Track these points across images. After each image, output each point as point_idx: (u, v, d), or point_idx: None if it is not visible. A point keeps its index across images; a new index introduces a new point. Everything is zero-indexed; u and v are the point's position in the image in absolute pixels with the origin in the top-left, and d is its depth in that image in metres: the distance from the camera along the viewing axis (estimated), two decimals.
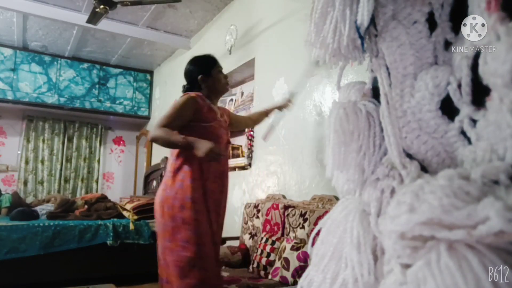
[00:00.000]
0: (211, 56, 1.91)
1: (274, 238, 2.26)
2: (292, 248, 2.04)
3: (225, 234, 3.17)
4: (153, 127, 1.64)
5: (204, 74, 1.81)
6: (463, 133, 0.39)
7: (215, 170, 1.70)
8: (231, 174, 3.37)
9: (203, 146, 1.51)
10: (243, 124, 2.22)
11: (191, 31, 4.35)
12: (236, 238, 2.82)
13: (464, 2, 0.39)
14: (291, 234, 2.17)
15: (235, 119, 2.08)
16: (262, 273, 2.21)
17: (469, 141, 0.38)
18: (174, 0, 3.08)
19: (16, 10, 3.68)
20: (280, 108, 2.15)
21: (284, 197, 2.58)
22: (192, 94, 1.74)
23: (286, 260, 2.03)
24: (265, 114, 2.16)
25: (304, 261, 1.96)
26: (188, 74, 1.87)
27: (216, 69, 1.86)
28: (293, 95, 2.16)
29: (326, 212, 1.81)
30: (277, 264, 2.10)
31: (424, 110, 0.41)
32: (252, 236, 2.59)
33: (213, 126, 1.71)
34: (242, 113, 3.28)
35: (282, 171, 2.68)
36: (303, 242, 2.05)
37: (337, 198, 2.07)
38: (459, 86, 0.38)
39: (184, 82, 1.91)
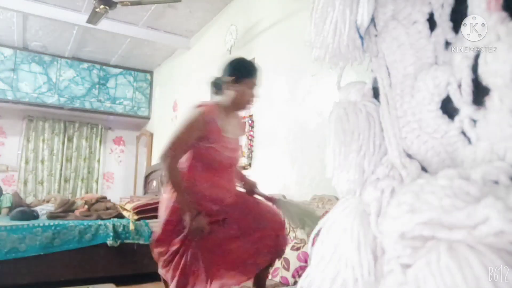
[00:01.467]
0: (254, 65, 1.69)
1: None
2: (292, 248, 2.04)
3: None
4: (168, 146, 1.50)
5: (237, 77, 1.60)
6: (463, 133, 0.39)
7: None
8: None
9: (192, 221, 1.45)
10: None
11: (191, 31, 4.35)
12: None
13: (464, 2, 0.39)
14: (291, 234, 2.17)
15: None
16: None
17: (469, 141, 0.38)
18: (174, 0, 3.08)
19: (16, 10, 3.68)
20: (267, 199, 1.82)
21: (284, 197, 2.58)
22: (203, 108, 1.56)
23: (286, 261, 2.03)
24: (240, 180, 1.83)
25: (304, 261, 1.96)
26: (223, 71, 1.66)
27: (251, 80, 1.63)
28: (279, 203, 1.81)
29: (326, 212, 1.80)
30: (277, 264, 2.10)
31: (424, 110, 0.41)
32: None
33: (214, 149, 1.55)
34: (242, 113, 3.27)
35: (282, 171, 2.68)
36: (303, 242, 2.05)
37: (337, 198, 2.07)
38: (459, 86, 0.38)
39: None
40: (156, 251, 1.61)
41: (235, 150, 1.66)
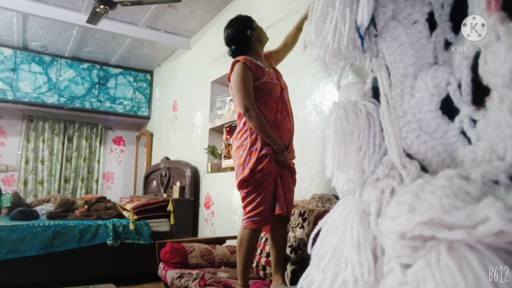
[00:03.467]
0: (244, 15, 2.07)
1: None
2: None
3: (225, 234, 3.18)
4: (240, 106, 1.78)
5: (251, 29, 1.97)
6: (463, 133, 0.39)
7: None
8: (231, 174, 3.37)
9: (283, 156, 1.80)
10: (284, 51, 2.23)
11: (191, 31, 4.35)
12: (236, 237, 2.82)
13: (464, 2, 0.39)
14: (291, 234, 2.17)
15: (276, 53, 2.17)
16: (261, 273, 2.21)
17: (469, 141, 0.38)
18: (174, 0, 3.08)
19: (16, 10, 3.68)
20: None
21: None
22: (241, 59, 1.85)
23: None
24: (298, 30, 2.19)
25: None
26: (236, 35, 1.98)
27: (255, 23, 2.03)
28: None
29: (326, 211, 1.81)
30: None
31: (424, 110, 0.41)
32: None
33: (264, 82, 1.84)
34: None
35: None
36: (302, 243, 2.05)
37: (337, 198, 2.07)
38: (459, 86, 0.38)
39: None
40: (242, 192, 1.83)
41: (277, 77, 1.96)
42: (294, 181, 1.92)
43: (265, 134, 1.77)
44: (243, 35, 1.95)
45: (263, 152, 1.77)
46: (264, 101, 1.82)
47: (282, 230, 1.89)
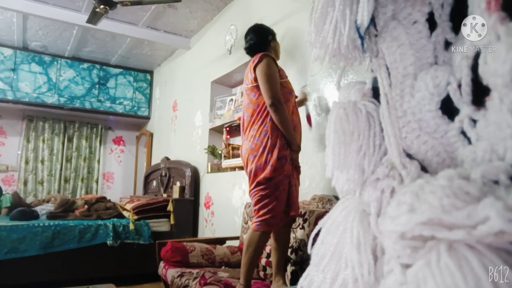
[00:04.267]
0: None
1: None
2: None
3: (225, 234, 3.18)
4: (270, 96, 1.77)
5: (272, 36, 2.09)
6: (463, 133, 0.39)
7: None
8: (231, 174, 3.37)
9: (296, 154, 1.82)
10: None
11: (191, 31, 4.35)
12: (236, 238, 2.82)
13: (464, 2, 0.39)
14: (291, 235, 2.17)
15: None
16: (261, 273, 2.21)
17: (469, 141, 0.38)
18: (174, 0, 3.08)
19: (16, 10, 3.68)
20: (301, 102, 2.37)
21: None
22: (266, 54, 1.88)
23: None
24: None
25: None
26: (261, 31, 2.06)
27: (276, 39, 2.13)
28: (306, 88, 2.40)
29: (326, 212, 1.80)
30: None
31: (424, 110, 0.41)
32: None
33: (286, 82, 1.92)
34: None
35: None
36: (302, 242, 2.05)
37: (337, 198, 2.07)
38: (459, 86, 0.38)
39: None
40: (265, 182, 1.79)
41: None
42: (299, 181, 1.94)
43: (288, 130, 1.77)
44: (264, 35, 2.05)
45: (283, 152, 1.76)
46: (285, 100, 1.84)
47: (286, 232, 1.88)
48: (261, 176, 1.74)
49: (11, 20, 4.14)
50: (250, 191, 1.82)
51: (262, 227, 1.75)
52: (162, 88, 5.47)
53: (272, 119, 1.78)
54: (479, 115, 0.37)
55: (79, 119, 5.56)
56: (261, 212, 1.75)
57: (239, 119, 3.30)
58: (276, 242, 1.86)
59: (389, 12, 0.45)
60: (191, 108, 4.38)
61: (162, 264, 2.47)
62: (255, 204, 1.78)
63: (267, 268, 2.18)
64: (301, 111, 2.27)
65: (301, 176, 2.50)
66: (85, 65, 5.32)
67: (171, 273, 2.25)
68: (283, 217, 1.76)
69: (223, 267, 2.47)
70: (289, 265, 2.02)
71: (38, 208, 3.86)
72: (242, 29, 3.45)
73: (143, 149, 5.93)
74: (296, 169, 1.88)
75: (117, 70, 5.56)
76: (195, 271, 2.18)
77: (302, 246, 2.06)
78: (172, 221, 3.72)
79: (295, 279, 1.93)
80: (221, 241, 2.82)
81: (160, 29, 4.31)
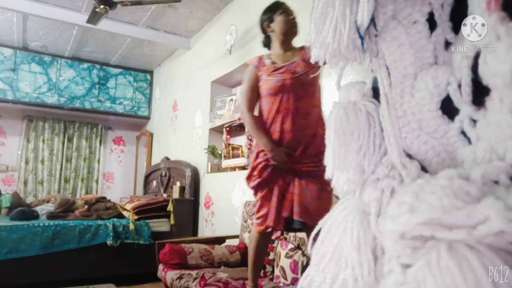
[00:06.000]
0: (277, 1, 1.89)
1: (273, 237, 2.26)
2: (286, 256, 2.06)
3: (225, 234, 3.18)
4: (240, 107, 1.82)
5: (268, 20, 1.83)
6: (463, 133, 0.39)
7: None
8: (231, 174, 3.37)
9: (274, 156, 1.67)
10: None
11: (191, 31, 4.35)
12: (236, 236, 2.83)
13: (464, 2, 0.39)
14: (291, 234, 2.17)
15: None
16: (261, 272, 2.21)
17: (469, 141, 0.38)
18: (174, 0, 3.08)
19: (16, 10, 3.68)
20: None
21: None
22: (249, 62, 1.85)
23: (283, 269, 2.05)
24: None
25: (296, 272, 1.97)
26: (260, 23, 1.89)
27: (278, 12, 1.82)
28: None
29: None
30: (277, 272, 2.12)
31: (424, 110, 0.41)
32: None
33: (266, 81, 1.75)
34: None
35: None
36: (298, 247, 2.05)
37: (337, 198, 2.07)
38: (459, 86, 0.38)
39: None
40: (250, 185, 1.81)
41: (287, 71, 1.76)
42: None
43: (254, 135, 1.77)
44: (262, 27, 1.88)
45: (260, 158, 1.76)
46: (266, 100, 1.77)
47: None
48: None
49: (11, 20, 4.14)
50: None
51: (254, 226, 1.78)
52: (162, 88, 5.47)
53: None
54: (479, 115, 0.37)
55: (79, 119, 5.56)
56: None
57: (239, 119, 3.30)
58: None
59: (389, 12, 0.45)
60: (191, 108, 4.38)
61: (161, 266, 2.47)
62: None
63: (266, 266, 2.19)
64: None
65: None
66: (85, 65, 5.31)
67: (170, 276, 2.25)
68: (274, 221, 1.73)
69: (222, 267, 2.47)
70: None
71: (38, 208, 3.86)
72: (242, 29, 3.45)
73: (143, 149, 5.93)
74: (297, 172, 1.70)
75: (117, 70, 5.55)
76: (194, 272, 2.18)
77: (301, 245, 2.07)
78: (172, 221, 3.72)
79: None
80: (220, 240, 2.82)
81: (160, 29, 4.31)
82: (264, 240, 1.79)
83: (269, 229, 1.72)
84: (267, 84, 1.75)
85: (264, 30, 1.88)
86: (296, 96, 1.71)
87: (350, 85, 0.53)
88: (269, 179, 1.71)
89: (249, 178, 1.78)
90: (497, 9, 0.34)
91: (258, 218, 1.74)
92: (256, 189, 1.75)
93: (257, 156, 1.75)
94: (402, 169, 0.42)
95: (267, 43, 1.91)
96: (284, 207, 1.67)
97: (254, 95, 1.80)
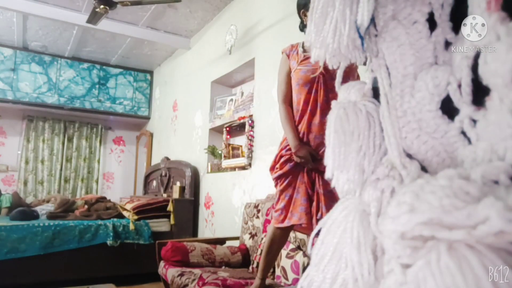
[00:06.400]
0: None
1: None
2: (287, 256, 2.06)
3: (225, 234, 3.18)
4: (278, 98, 1.78)
5: (304, 8, 1.76)
6: (463, 133, 0.39)
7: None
8: (231, 174, 3.37)
9: (297, 153, 1.62)
10: None
11: (191, 31, 4.35)
12: (236, 238, 2.82)
13: (464, 2, 0.39)
14: (291, 234, 2.17)
15: None
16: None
17: (469, 141, 0.38)
18: (174, 0, 3.08)
19: (16, 10, 3.68)
20: None
21: None
22: (283, 50, 1.82)
23: (284, 269, 2.05)
24: None
25: (297, 273, 1.97)
26: (297, 10, 1.85)
27: (307, 4, 1.78)
28: None
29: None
30: (277, 272, 2.12)
31: (424, 110, 0.41)
32: (252, 236, 2.59)
33: (297, 70, 1.71)
34: (242, 113, 3.28)
35: None
36: (298, 248, 2.05)
37: None
38: (459, 86, 0.38)
39: None
40: (272, 176, 1.78)
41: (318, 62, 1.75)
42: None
43: (284, 129, 1.73)
44: (300, 16, 1.84)
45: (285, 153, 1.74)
46: (296, 93, 1.72)
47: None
48: None
49: (11, 20, 4.14)
50: None
51: (272, 220, 1.77)
52: (162, 88, 5.47)
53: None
54: (479, 115, 0.37)
55: (79, 119, 5.56)
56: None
57: (239, 119, 3.30)
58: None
59: (389, 12, 0.45)
60: (191, 108, 4.38)
61: (162, 263, 2.47)
62: None
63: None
64: None
65: None
66: (85, 65, 5.32)
67: (171, 273, 2.26)
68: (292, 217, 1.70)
69: (223, 267, 2.47)
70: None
71: (38, 208, 3.86)
72: (242, 29, 3.45)
73: (143, 149, 5.93)
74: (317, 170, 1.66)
75: (117, 70, 5.56)
76: (195, 270, 2.18)
77: (302, 246, 2.07)
78: (172, 221, 3.72)
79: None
80: (221, 241, 2.82)
81: (160, 29, 4.31)
82: (279, 234, 1.72)
83: (287, 224, 1.65)
84: (297, 73, 1.71)
85: (300, 16, 1.84)
86: (327, 88, 1.64)
87: (350, 85, 0.53)
88: (291, 173, 1.68)
89: (272, 169, 1.76)
90: (497, 9, 0.34)
91: (276, 211, 1.70)
92: (277, 181, 1.73)
93: (283, 148, 1.73)
94: (402, 169, 0.42)
95: (302, 28, 1.87)
96: (313, 207, 1.62)
97: (288, 85, 1.74)
